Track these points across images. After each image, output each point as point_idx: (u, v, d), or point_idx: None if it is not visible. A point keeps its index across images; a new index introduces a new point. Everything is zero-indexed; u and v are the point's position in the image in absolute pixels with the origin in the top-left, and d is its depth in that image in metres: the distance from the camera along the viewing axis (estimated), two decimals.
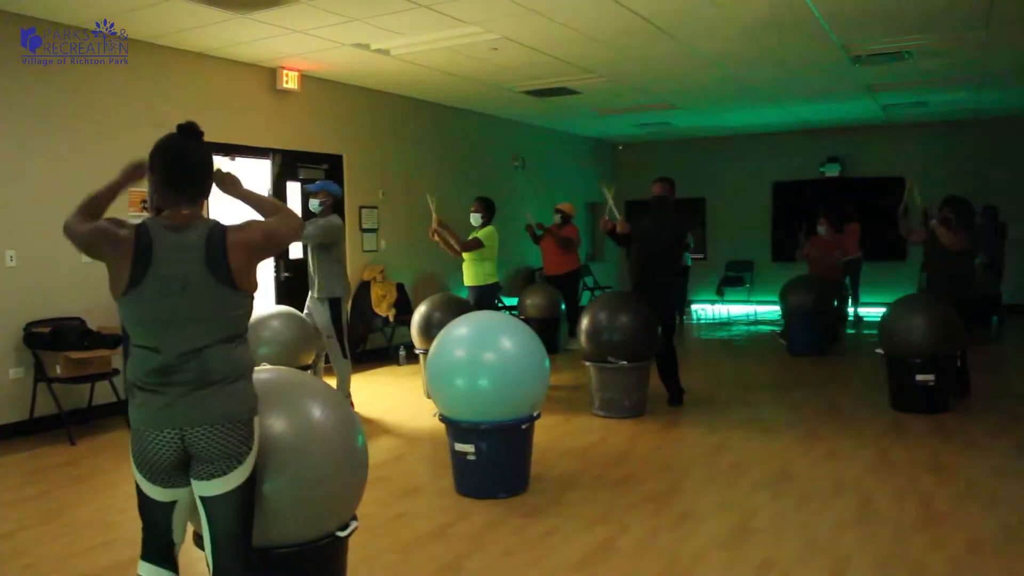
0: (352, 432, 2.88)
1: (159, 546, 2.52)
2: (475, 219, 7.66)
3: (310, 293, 6.54)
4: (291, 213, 2.63)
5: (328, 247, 6.37)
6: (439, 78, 9.07)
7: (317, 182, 6.89)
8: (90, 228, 2.41)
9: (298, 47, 7.54)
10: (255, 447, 2.48)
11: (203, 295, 2.37)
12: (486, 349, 4.46)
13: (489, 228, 7.61)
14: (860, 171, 13.95)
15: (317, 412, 2.78)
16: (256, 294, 2.53)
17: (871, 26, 7.29)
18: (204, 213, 2.55)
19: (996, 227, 10.96)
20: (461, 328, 4.64)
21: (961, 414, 6.29)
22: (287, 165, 8.82)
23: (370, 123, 9.77)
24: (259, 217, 2.60)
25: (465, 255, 7.63)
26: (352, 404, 6.72)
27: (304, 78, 8.62)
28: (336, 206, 6.57)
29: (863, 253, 12.03)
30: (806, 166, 14.33)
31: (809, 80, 9.69)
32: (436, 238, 7.65)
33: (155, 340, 2.38)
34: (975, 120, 12.98)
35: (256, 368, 2.86)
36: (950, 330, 6.33)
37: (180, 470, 2.43)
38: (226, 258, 2.39)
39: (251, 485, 2.49)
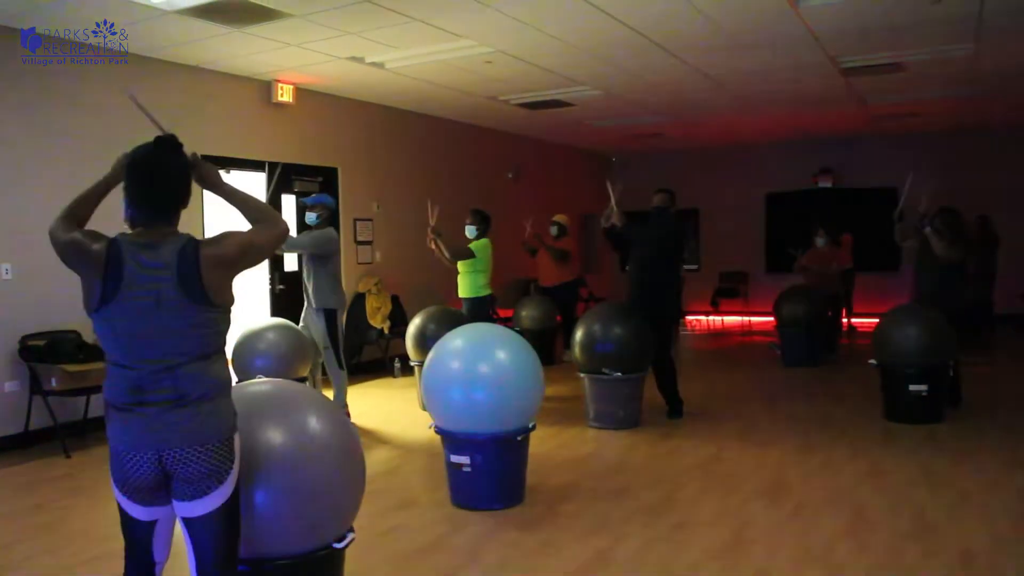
0: (349, 444, 2.89)
1: (140, 564, 2.49)
2: (470, 231, 7.69)
3: (306, 305, 6.61)
4: (274, 219, 2.56)
5: (324, 259, 6.44)
6: (433, 91, 9.11)
7: (313, 195, 6.90)
8: (67, 239, 2.37)
9: (293, 61, 7.58)
10: (236, 464, 2.43)
11: (176, 313, 2.30)
12: (481, 361, 4.48)
13: (483, 240, 7.64)
14: (853, 182, 14.03)
15: (314, 424, 2.79)
16: (233, 307, 2.46)
17: (862, 39, 7.35)
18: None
19: (987, 237, 11.01)
20: (456, 340, 4.65)
21: (954, 424, 6.32)
22: (282, 178, 8.83)
23: (365, 136, 9.81)
24: (240, 222, 2.54)
25: (460, 267, 7.65)
26: (348, 414, 6.74)
27: (299, 91, 8.65)
28: (332, 218, 6.72)
29: (854, 264, 11.98)
30: (799, 177, 14.39)
31: (801, 92, 9.75)
32: (432, 245, 7.63)
33: (128, 358, 2.32)
34: (966, 130, 13.06)
35: (252, 381, 2.89)
36: (943, 340, 6.37)
37: (160, 490, 2.38)
38: (199, 277, 2.31)
39: (235, 502, 2.45)
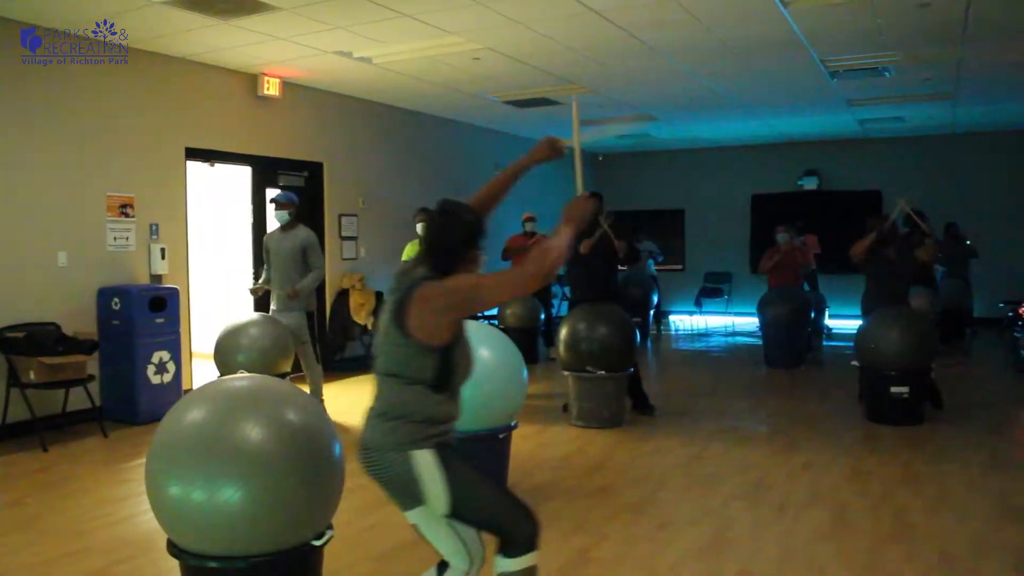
0: (329, 441, 2.87)
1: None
2: (422, 228, 7.68)
3: (278, 304, 6.77)
4: (526, 273, 2.47)
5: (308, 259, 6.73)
6: (421, 87, 9.08)
7: (281, 193, 6.93)
8: None
9: (280, 54, 7.53)
10: (428, 487, 2.49)
11: (385, 323, 2.51)
12: None
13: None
14: (837, 184, 14.10)
15: (294, 420, 2.77)
16: (435, 347, 2.47)
17: (849, 42, 7.38)
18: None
19: (958, 244, 11.02)
20: None
21: (934, 426, 6.36)
22: (267, 172, 8.78)
23: (351, 131, 9.76)
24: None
25: None
26: (324, 410, 6.77)
27: (285, 85, 8.59)
28: (298, 216, 6.84)
29: (817, 266, 11.56)
30: (784, 178, 14.45)
31: (788, 94, 9.78)
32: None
33: None
34: (950, 135, 13.15)
35: (233, 376, 2.86)
36: (925, 343, 6.40)
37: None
38: (405, 306, 2.44)
39: (446, 521, 2.55)
